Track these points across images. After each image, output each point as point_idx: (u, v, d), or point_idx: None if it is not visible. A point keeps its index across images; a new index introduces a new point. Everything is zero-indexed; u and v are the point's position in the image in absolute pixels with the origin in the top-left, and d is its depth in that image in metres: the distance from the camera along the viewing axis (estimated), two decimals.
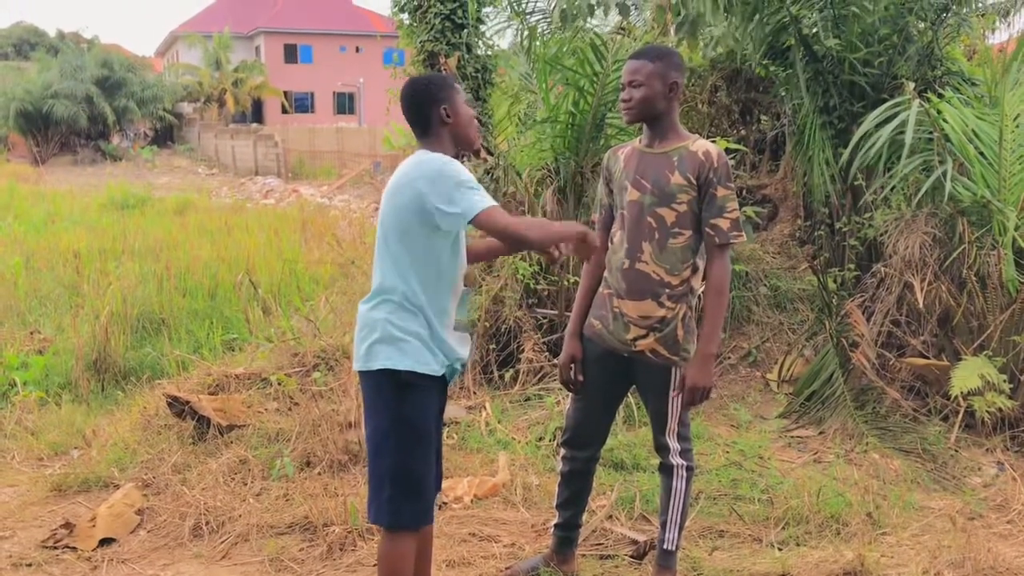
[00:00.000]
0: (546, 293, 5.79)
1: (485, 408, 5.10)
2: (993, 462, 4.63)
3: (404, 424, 2.67)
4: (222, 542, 3.70)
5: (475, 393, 5.35)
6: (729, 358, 5.94)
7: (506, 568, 3.43)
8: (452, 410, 4.95)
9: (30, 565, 3.55)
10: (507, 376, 5.46)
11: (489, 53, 8.15)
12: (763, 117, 7.95)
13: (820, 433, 5.02)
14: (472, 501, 4.07)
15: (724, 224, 2.97)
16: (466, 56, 7.85)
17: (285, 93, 45.78)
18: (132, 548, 3.70)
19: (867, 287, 5.50)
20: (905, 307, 5.26)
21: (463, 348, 2.81)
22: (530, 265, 5.61)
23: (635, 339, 3.06)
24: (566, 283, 5.63)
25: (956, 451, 4.69)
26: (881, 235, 5.44)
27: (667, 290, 3.02)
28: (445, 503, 4.01)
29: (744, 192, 7.51)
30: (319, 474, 4.25)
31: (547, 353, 5.52)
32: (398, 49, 8.69)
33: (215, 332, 7.07)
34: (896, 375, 5.19)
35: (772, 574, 3.43)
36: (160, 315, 7.48)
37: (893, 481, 4.37)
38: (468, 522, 3.87)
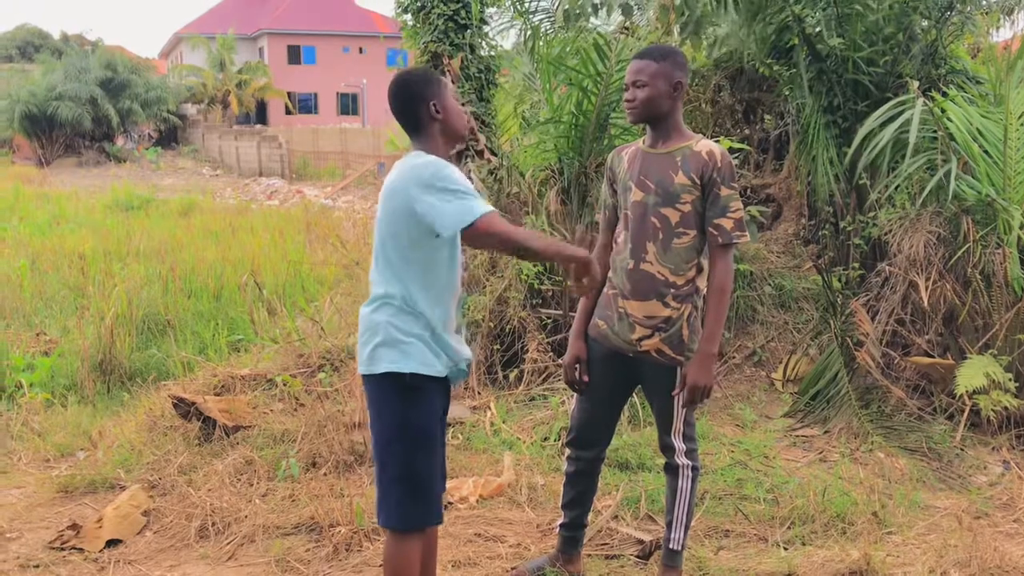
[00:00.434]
0: (550, 293, 5.79)
1: (490, 408, 5.10)
2: (999, 461, 4.62)
3: (410, 427, 2.67)
4: (228, 543, 3.71)
5: (480, 393, 5.36)
6: (734, 358, 5.94)
7: (512, 568, 3.43)
8: (457, 410, 4.95)
9: (37, 566, 3.56)
10: (512, 376, 5.46)
11: (492, 53, 8.15)
12: (767, 116, 7.95)
13: (825, 432, 5.01)
14: (477, 501, 4.07)
15: (727, 224, 2.97)
16: (469, 56, 7.85)
17: (289, 94, 45.83)
18: (138, 549, 3.71)
19: (872, 286, 5.49)
20: (910, 306, 5.25)
21: (466, 349, 2.81)
22: (534, 265, 5.62)
23: (640, 339, 3.06)
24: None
25: (962, 450, 4.68)
26: (885, 234, 5.43)
27: (672, 290, 3.02)
28: (450, 503, 4.01)
29: (748, 192, 7.51)
30: (325, 475, 4.25)
31: (552, 353, 5.52)
32: (401, 50, 8.69)
33: (220, 333, 7.09)
34: (901, 374, 5.19)
35: (778, 574, 3.43)
36: (165, 316, 7.51)
37: (899, 480, 4.37)
38: (473, 522, 3.87)
